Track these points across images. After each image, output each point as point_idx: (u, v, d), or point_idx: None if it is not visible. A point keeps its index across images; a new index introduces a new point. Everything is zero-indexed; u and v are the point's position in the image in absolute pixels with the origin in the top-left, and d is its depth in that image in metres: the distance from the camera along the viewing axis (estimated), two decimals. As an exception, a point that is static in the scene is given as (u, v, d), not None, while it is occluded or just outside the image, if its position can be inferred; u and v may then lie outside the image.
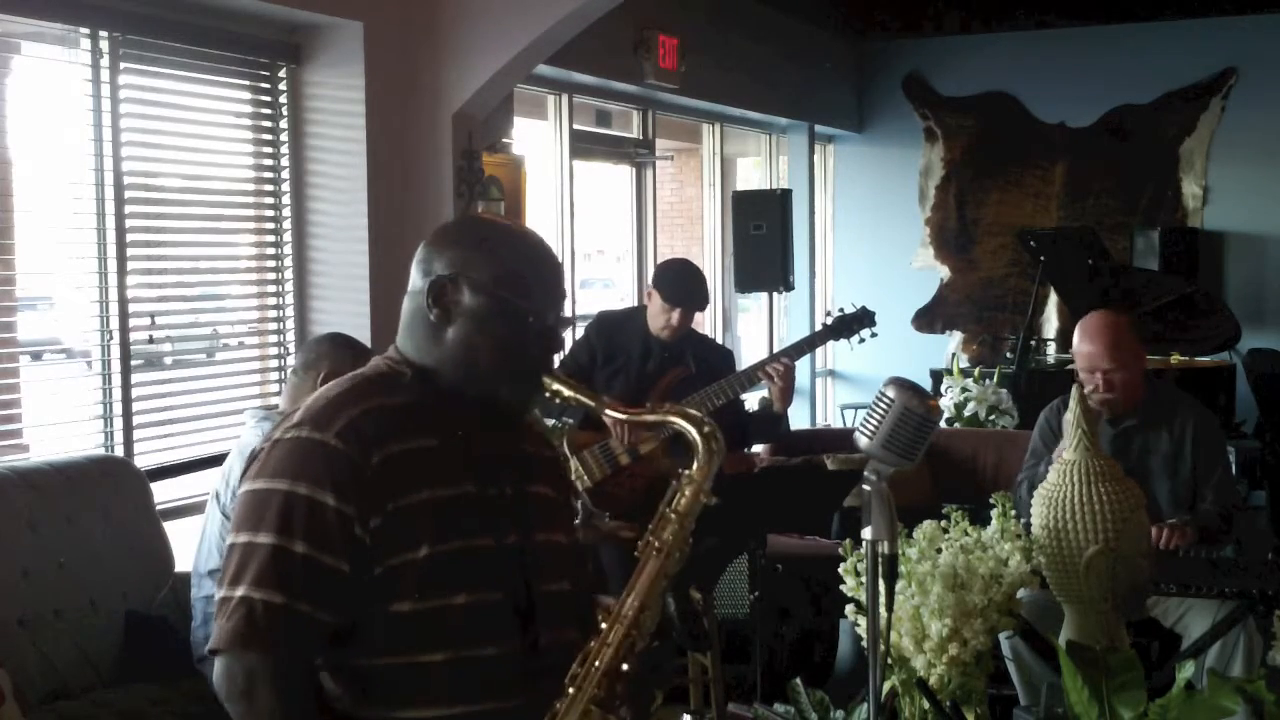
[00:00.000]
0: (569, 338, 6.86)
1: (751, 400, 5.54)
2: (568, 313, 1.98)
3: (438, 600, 1.80)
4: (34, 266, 4.42)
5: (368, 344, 3.88)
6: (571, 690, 1.80)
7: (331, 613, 1.77)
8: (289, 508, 1.76)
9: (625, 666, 1.81)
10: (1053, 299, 8.61)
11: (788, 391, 4.55)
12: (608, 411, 1.94)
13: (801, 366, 9.14)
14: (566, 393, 1.92)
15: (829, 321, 4.77)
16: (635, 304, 4.91)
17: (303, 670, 1.79)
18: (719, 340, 8.29)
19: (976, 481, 5.68)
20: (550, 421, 5.34)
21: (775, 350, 4.61)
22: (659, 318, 4.62)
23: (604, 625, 1.82)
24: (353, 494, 1.77)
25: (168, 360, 4.87)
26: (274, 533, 1.76)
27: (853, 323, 4.67)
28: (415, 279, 1.93)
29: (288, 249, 5.06)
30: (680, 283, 4.65)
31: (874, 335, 4.72)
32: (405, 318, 1.95)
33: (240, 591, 1.75)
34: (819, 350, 9.56)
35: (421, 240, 1.97)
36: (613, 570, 4.68)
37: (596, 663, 1.80)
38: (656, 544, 1.85)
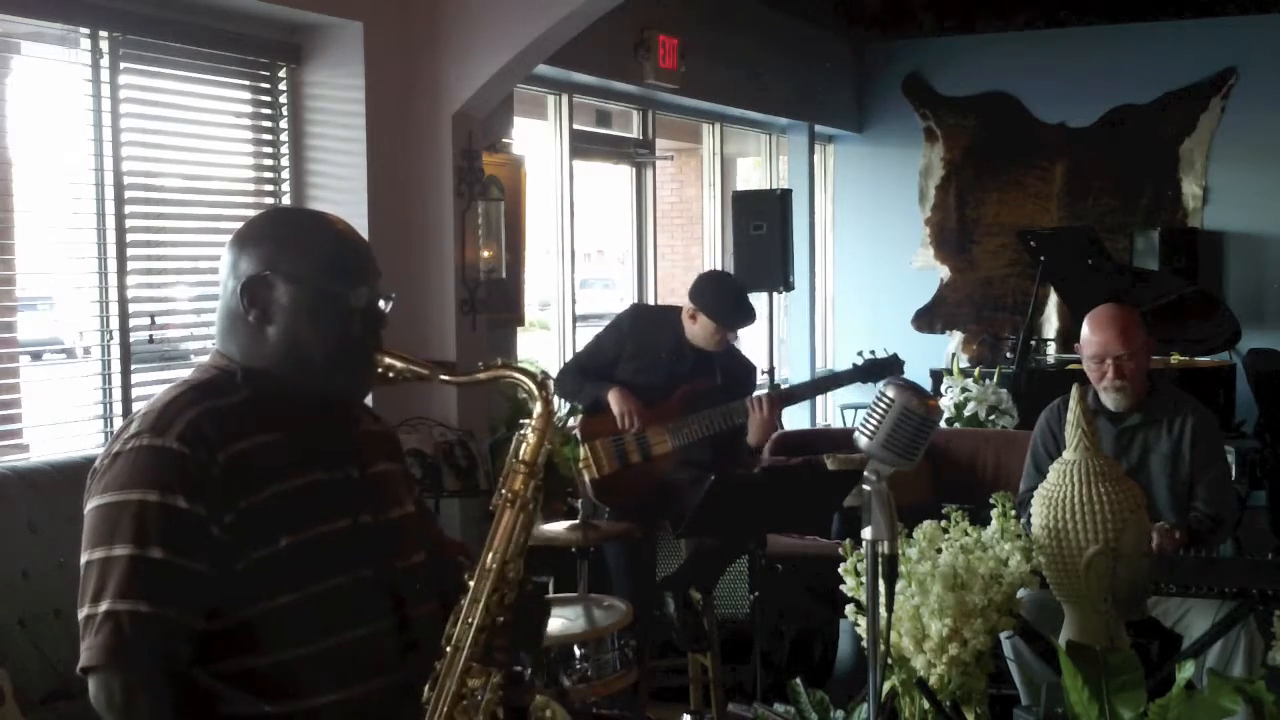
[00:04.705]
0: (568, 337, 6.87)
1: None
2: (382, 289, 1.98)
3: (313, 587, 1.83)
4: (34, 266, 4.42)
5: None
6: (450, 649, 1.85)
7: (197, 615, 1.78)
8: (142, 516, 1.76)
9: (499, 620, 1.86)
10: (1053, 299, 8.60)
11: (764, 429, 4.60)
12: (441, 377, 1.96)
13: (801, 367, 9.21)
14: (400, 365, 1.94)
15: (859, 363, 4.77)
16: (670, 304, 4.96)
17: (179, 677, 1.78)
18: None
19: (976, 481, 5.67)
20: (564, 409, 5.33)
21: (814, 376, 4.62)
22: (710, 337, 4.62)
23: (471, 583, 1.86)
24: (202, 495, 1.77)
25: (167, 360, 4.86)
26: (130, 543, 1.75)
27: (882, 368, 4.69)
28: (226, 282, 1.92)
29: (288, 249, 5.05)
30: (736, 307, 4.65)
31: None
32: (223, 322, 1.94)
33: (104, 606, 1.74)
34: (818, 351, 9.56)
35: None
36: (617, 568, 4.69)
37: (470, 620, 1.85)
38: (509, 495, 1.88)
